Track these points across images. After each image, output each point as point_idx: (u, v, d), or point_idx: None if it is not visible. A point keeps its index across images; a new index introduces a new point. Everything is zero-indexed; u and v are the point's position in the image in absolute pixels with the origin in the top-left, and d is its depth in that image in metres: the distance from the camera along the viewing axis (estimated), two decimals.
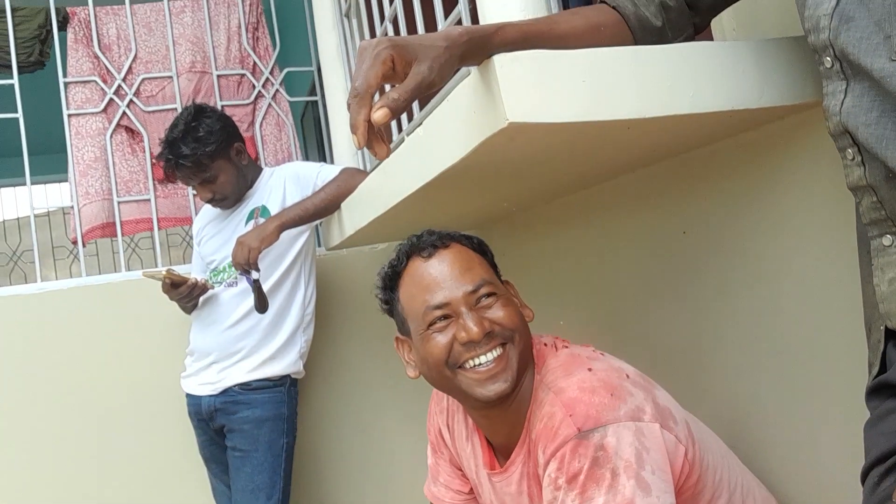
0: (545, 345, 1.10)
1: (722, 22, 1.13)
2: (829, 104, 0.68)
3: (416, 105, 1.69)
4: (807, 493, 1.10)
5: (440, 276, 1.05)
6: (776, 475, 1.16)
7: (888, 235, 0.65)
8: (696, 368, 1.30)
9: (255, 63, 2.75)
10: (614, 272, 1.52)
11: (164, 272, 1.94)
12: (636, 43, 0.92)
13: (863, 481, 0.64)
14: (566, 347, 1.09)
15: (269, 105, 2.74)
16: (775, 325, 1.11)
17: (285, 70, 2.80)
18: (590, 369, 1.00)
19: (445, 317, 1.03)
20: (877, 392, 0.66)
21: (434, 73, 0.75)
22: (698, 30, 0.96)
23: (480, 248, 1.12)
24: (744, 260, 1.16)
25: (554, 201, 1.67)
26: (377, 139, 0.76)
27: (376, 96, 0.77)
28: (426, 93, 0.77)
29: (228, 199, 2.04)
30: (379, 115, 0.72)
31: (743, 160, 1.13)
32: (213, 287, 2.03)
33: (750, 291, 1.15)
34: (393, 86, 0.77)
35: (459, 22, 1.29)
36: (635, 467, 0.90)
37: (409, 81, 0.74)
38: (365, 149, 0.79)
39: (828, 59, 0.67)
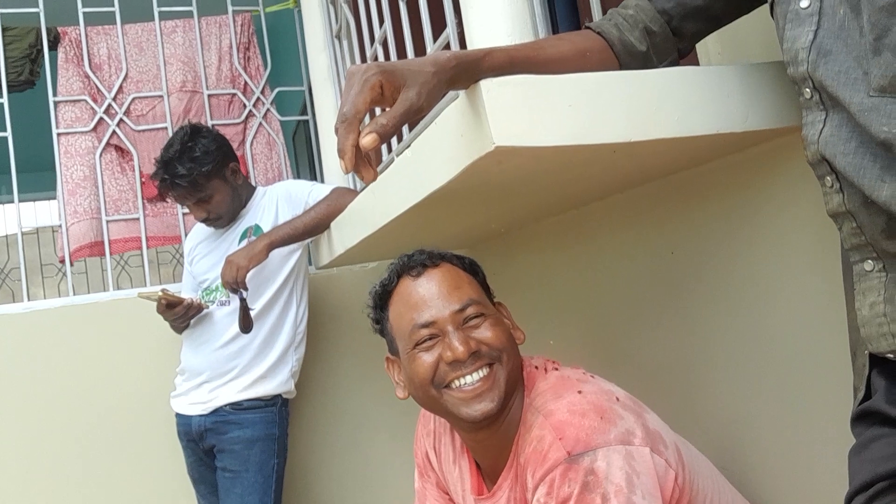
0: (535, 367, 1.10)
1: (707, 45, 1.15)
2: (807, 133, 0.69)
3: (405, 125, 1.69)
4: None
5: (428, 295, 1.05)
6: (767, 496, 1.16)
7: (869, 261, 0.66)
8: (685, 388, 1.31)
9: (246, 83, 2.76)
10: (604, 291, 1.53)
11: (159, 293, 1.94)
12: (621, 68, 0.93)
13: None
14: (556, 370, 1.09)
15: (260, 124, 2.75)
16: (764, 344, 1.12)
17: (276, 90, 2.81)
18: (580, 392, 1.00)
19: (432, 336, 1.03)
20: (861, 419, 0.66)
21: (422, 99, 0.76)
22: (682, 54, 0.97)
23: (472, 269, 1.12)
24: (732, 280, 1.16)
25: (544, 220, 1.68)
26: (364, 164, 0.76)
27: (366, 120, 0.77)
28: (414, 118, 0.77)
29: (223, 219, 2.04)
30: (367, 140, 0.73)
31: (730, 181, 1.14)
32: (207, 307, 2.02)
33: (738, 311, 1.16)
34: (382, 110, 0.77)
35: (448, 45, 1.31)
36: (626, 492, 0.89)
37: (398, 107, 0.75)
38: None
39: (807, 90, 0.69)
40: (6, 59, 2.53)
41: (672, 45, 0.94)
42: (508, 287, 1.70)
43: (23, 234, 2.48)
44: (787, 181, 1.03)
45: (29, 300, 2.36)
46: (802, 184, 0.99)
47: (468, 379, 1.01)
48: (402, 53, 1.58)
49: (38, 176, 3.37)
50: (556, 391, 1.02)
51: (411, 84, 0.75)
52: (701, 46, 1.14)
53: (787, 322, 1.07)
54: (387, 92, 0.76)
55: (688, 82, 0.92)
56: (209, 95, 2.69)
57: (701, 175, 1.19)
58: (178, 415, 2.07)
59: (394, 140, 1.84)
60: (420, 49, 1.45)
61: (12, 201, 2.45)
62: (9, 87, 2.51)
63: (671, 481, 0.96)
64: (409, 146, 1.15)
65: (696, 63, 1.18)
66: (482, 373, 1.02)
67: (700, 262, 1.23)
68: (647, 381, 1.37)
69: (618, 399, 1.00)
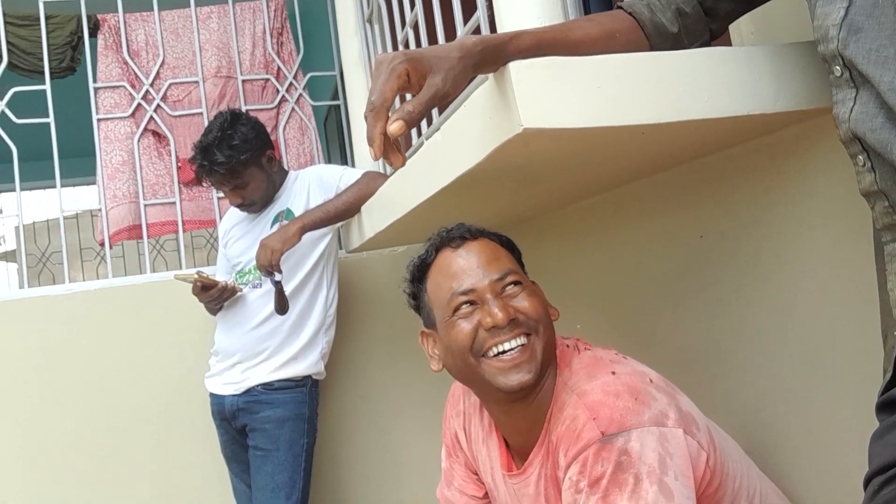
0: (567, 346, 1.11)
1: (740, 26, 1.13)
2: (838, 112, 0.69)
3: (435, 109, 1.71)
4: (824, 498, 1.10)
5: (467, 265, 1.06)
6: (793, 480, 1.15)
7: None
8: (713, 371, 1.31)
9: (279, 68, 2.80)
10: (633, 275, 1.53)
11: (195, 275, 1.98)
12: (652, 49, 0.93)
13: (865, 488, 0.64)
14: (588, 350, 1.10)
15: (293, 109, 2.78)
16: (793, 329, 1.11)
17: (308, 75, 2.84)
18: (613, 373, 1.00)
19: (471, 303, 1.04)
20: (886, 407, 0.66)
21: (448, 85, 0.77)
22: (715, 35, 0.96)
23: (509, 245, 1.14)
24: (761, 263, 1.16)
25: (574, 204, 1.68)
26: (393, 150, 0.78)
27: (396, 104, 0.79)
28: (441, 103, 0.79)
29: (257, 205, 2.08)
30: (394, 127, 0.75)
31: (760, 164, 1.13)
32: (241, 290, 2.07)
33: (767, 295, 1.15)
34: (410, 96, 0.79)
35: (478, 28, 1.31)
36: (658, 473, 0.90)
37: (424, 94, 0.77)
38: None
39: (837, 67, 0.68)
40: (48, 46, 2.60)
41: (704, 26, 0.94)
42: (538, 271, 1.70)
43: (63, 218, 2.56)
44: (817, 164, 1.02)
45: (68, 282, 2.43)
46: (833, 167, 0.98)
47: (506, 346, 1.02)
48: (432, 37, 1.59)
49: (77, 161, 3.45)
50: (589, 371, 1.02)
51: (437, 70, 0.77)
52: (734, 27, 1.13)
53: (816, 306, 1.06)
54: (413, 79, 0.78)
55: (717, 63, 0.91)
56: (243, 81, 2.74)
57: (731, 158, 1.18)
58: (211, 394, 2.13)
59: (423, 124, 1.85)
60: (450, 33, 1.46)
61: (54, 186, 2.52)
62: (51, 73, 2.58)
63: (703, 463, 0.96)
64: (438, 129, 1.16)
65: (729, 44, 1.17)
66: (520, 341, 1.02)
67: (729, 245, 1.23)
68: (675, 365, 1.37)
69: (651, 381, 1.00)
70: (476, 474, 1.26)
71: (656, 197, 1.39)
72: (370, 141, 0.76)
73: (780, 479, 1.16)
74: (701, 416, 1.03)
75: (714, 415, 1.15)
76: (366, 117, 0.77)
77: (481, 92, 0.93)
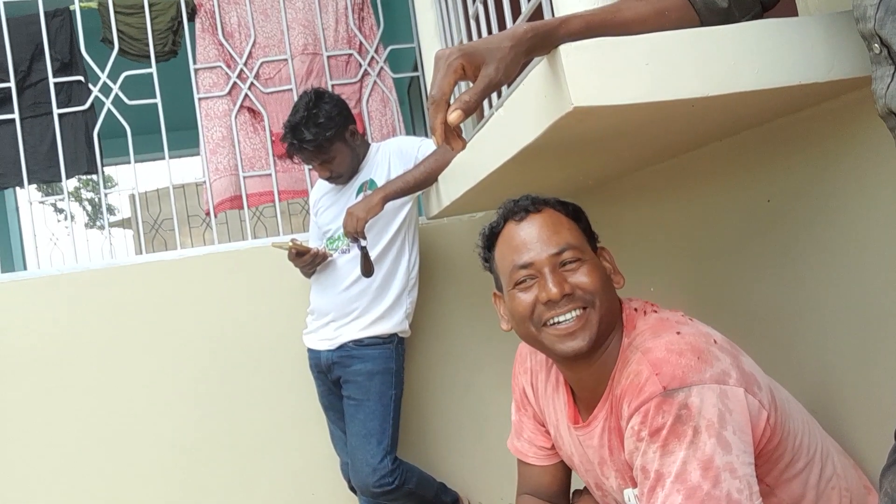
0: (635, 309, 1.15)
1: None
2: (876, 88, 0.72)
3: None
4: (884, 455, 1.12)
5: (528, 239, 1.12)
6: (855, 440, 1.17)
7: None
8: (781, 335, 1.32)
9: (361, 42, 2.90)
10: (702, 238, 1.55)
11: (289, 243, 2.16)
12: (702, 25, 0.96)
13: (895, 437, 0.69)
14: (655, 312, 1.13)
15: (375, 82, 2.89)
16: (859, 293, 1.12)
17: (389, 48, 2.93)
18: (678, 333, 1.04)
19: (531, 277, 1.11)
20: None
21: (500, 74, 0.85)
22: (766, 7, 0.98)
23: (574, 214, 1.17)
24: (827, 227, 1.17)
25: (645, 169, 1.71)
26: (453, 135, 0.87)
27: (457, 92, 0.87)
28: (496, 90, 0.86)
29: (343, 177, 2.22)
30: (453, 116, 0.84)
31: (825, 129, 1.13)
32: (331, 255, 2.23)
33: (833, 258, 1.16)
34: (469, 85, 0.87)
35: (540, 5, 1.36)
36: (717, 427, 0.93)
37: (479, 83, 0.85)
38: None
39: (876, 45, 0.70)
40: (152, 31, 2.81)
41: None
42: (610, 234, 1.74)
43: (173, 187, 2.80)
44: (880, 130, 1.02)
45: (179, 248, 2.68)
46: None
47: (561, 318, 1.08)
48: (500, 11, 1.64)
49: (182, 134, 3.71)
50: (654, 331, 1.07)
51: (490, 61, 0.85)
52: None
53: (880, 269, 1.07)
54: (469, 71, 0.86)
55: (767, 36, 0.93)
56: (328, 57, 2.86)
57: (797, 122, 1.18)
58: (309, 350, 2.32)
59: (494, 97, 1.91)
60: (516, 6, 1.51)
61: (162, 159, 2.74)
62: (156, 57, 2.79)
63: (763, 421, 0.99)
64: (502, 106, 1.23)
65: (795, 13, 1.17)
66: (575, 313, 1.08)
67: (795, 210, 1.23)
68: (743, 327, 1.39)
69: (715, 342, 1.03)
70: (543, 426, 1.34)
71: (725, 161, 1.40)
72: (432, 130, 0.86)
73: (843, 439, 1.18)
74: (764, 376, 1.06)
75: (779, 375, 1.17)
76: (428, 109, 0.86)
77: (536, 73, 0.99)
